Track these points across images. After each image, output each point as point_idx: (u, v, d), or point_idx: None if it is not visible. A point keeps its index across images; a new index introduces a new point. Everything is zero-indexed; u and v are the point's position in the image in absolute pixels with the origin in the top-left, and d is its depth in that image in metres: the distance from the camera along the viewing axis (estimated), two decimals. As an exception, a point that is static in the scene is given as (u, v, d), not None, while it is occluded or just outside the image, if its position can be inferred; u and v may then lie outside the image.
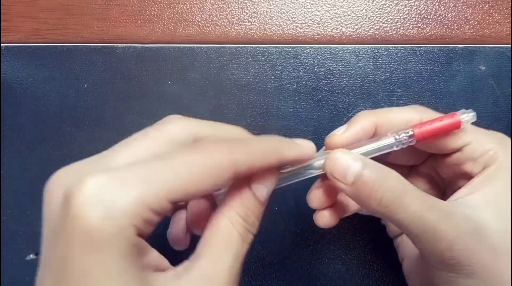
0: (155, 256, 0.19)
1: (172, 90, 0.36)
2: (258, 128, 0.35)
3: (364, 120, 0.25)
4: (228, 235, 0.20)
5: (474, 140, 0.25)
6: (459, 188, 0.24)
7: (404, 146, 0.24)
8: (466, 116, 0.24)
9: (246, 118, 0.36)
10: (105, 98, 0.36)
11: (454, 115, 0.24)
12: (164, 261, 0.20)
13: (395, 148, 0.24)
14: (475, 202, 0.23)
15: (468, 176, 0.25)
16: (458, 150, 0.25)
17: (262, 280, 0.34)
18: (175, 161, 0.19)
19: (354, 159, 0.23)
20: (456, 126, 0.24)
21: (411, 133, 0.24)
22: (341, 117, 0.35)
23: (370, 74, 0.36)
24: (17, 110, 0.36)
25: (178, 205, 0.26)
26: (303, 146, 0.23)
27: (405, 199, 0.21)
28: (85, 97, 0.36)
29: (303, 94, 0.36)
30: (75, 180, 0.17)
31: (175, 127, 0.22)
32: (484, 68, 0.36)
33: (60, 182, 0.20)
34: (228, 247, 0.20)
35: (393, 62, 0.36)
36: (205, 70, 0.36)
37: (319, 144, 0.35)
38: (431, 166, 0.29)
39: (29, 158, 0.35)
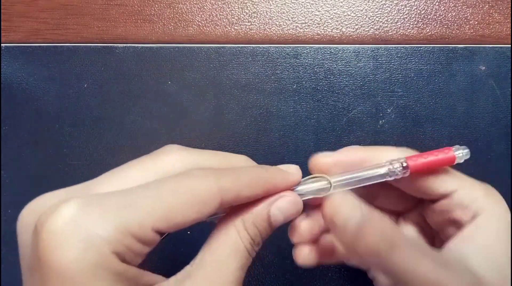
0: (149, 277, 0.18)
1: (172, 90, 0.36)
2: (258, 128, 0.35)
3: (350, 151, 0.24)
4: (235, 246, 0.20)
5: (463, 187, 0.24)
6: (449, 236, 0.24)
7: (397, 177, 0.23)
8: (460, 153, 0.24)
9: (246, 118, 0.36)
10: (105, 98, 0.36)
11: (449, 150, 0.24)
12: (160, 279, 0.19)
13: (387, 178, 0.24)
14: (470, 252, 0.22)
15: (458, 224, 0.24)
16: (446, 196, 0.24)
17: (262, 280, 0.34)
18: (159, 188, 0.18)
19: (354, 206, 0.21)
20: (450, 162, 0.24)
21: (404, 164, 0.23)
22: (341, 117, 0.35)
23: (370, 74, 0.36)
24: (17, 110, 0.36)
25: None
26: (289, 173, 0.22)
27: (401, 249, 0.20)
28: (85, 97, 0.36)
29: (303, 94, 0.36)
30: (48, 208, 0.16)
31: (170, 158, 0.21)
32: (484, 68, 0.36)
33: (33, 210, 0.18)
34: (235, 258, 0.20)
35: (393, 62, 0.36)
36: (205, 70, 0.36)
37: (319, 144, 0.35)
38: (419, 213, 0.27)
39: (29, 158, 0.35)
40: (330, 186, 0.23)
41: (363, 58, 0.36)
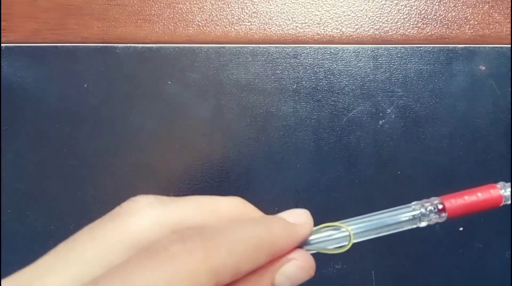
0: None
1: (172, 90, 0.36)
2: (258, 128, 0.35)
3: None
4: None
5: None
6: None
7: (431, 223, 0.19)
8: (508, 192, 0.19)
9: (246, 118, 0.36)
10: (105, 98, 0.36)
11: (494, 188, 0.19)
12: None
13: (418, 224, 0.19)
14: None
15: None
16: None
17: (262, 280, 0.34)
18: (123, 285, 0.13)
19: None
20: (496, 203, 0.19)
21: (440, 206, 0.19)
22: (341, 117, 0.35)
23: (370, 74, 0.36)
24: (17, 110, 0.36)
25: None
26: (297, 226, 0.18)
27: None
28: (85, 97, 0.36)
29: (303, 94, 0.36)
30: None
31: (139, 221, 0.15)
32: (484, 68, 0.36)
33: None
34: None
35: (393, 62, 0.36)
36: (205, 70, 0.36)
37: (319, 144, 0.35)
38: None
39: (29, 158, 0.35)
40: (350, 238, 0.18)
41: (363, 58, 0.36)
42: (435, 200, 0.19)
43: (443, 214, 0.19)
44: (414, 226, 0.19)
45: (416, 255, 0.35)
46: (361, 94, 0.36)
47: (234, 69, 0.36)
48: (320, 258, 0.35)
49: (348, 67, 0.36)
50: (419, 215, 0.19)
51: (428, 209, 0.19)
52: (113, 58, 0.36)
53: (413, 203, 0.19)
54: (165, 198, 0.16)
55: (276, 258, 0.17)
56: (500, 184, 0.19)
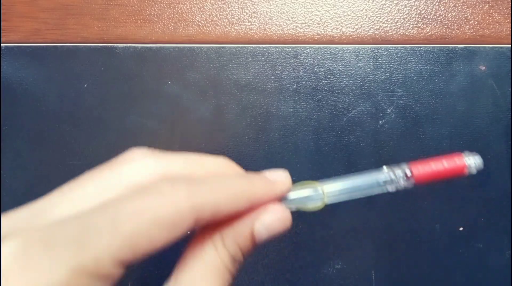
0: None
1: (172, 90, 0.36)
2: (258, 128, 0.35)
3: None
4: (213, 265, 0.18)
5: None
6: None
7: (399, 188, 0.21)
8: (472, 162, 0.20)
9: (246, 118, 0.36)
10: (105, 98, 0.36)
11: (459, 157, 0.20)
12: None
13: (388, 189, 0.21)
14: None
15: None
16: None
17: (262, 280, 0.34)
18: (118, 212, 0.15)
19: None
20: (461, 171, 0.20)
21: (408, 172, 0.20)
22: (341, 117, 0.35)
23: (370, 74, 0.36)
24: (17, 110, 0.36)
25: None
26: (276, 183, 0.20)
27: None
28: (85, 97, 0.36)
29: (303, 94, 0.36)
30: None
31: (133, 168, 0.18)
32: (484, 68, 0.36)
33: None
34: (214, 277, 0.17)
35: (393, 62, 0.36)
36: (205, 70, 0.36)
37: (319, 144, 0.35)
38: None
39: (29, 158, 0.35)
40: (323, 197, 0.20)
41: (363, 58, 0.36)
42: (404, 166, 0.20)
43: (411, 180, 0.20)
44: (385, 190, 0.20)
45: (416, 255, 0.35)
46: (361, 94, 0.36)
47: (234, 69, 0.36)
48: (320, 258, 0.35)
49: (348, 67, 0.36)
50: (389, 179, 0.20)
51: (397, 174, 0.20)
52: (113, 58, 0.36)
53: (384, 167, 0.21)
54: (157, 151, 0.19)
55: (255, 208, 0.19)
56: (466, 153, 0.20)
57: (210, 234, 0.18)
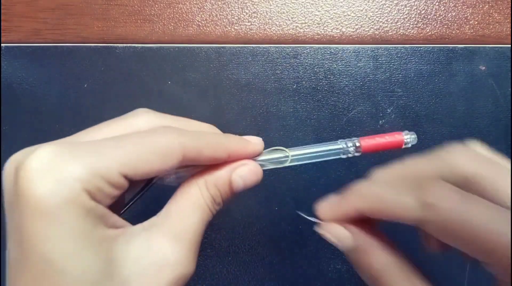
0: (117, 219, 0.20)
1: (172, 90, 0.36)
2: (258, 128, 0.35)
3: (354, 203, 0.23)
4: (198, 201, 0.22)
5: None
6: None
7: (350, 155, 0.25)
8: (408, 138, 0.26)
9: (246, 118, 0.36)
10: (105, 98, 0.36)
11: (399, 134, 0.26)
12: (127, 224, 0.21)
13: (341, 156, 0.25)
14: None
15: None
16: None
17: (262, 280, 0.34)
18: (125, 140, 0.20)
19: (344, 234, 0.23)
20: (399, 145, 0.26)
21: (358, 144, 0.25)
22: (341, 117, 0.35)
23: (370, 74, 0.36)
24: (17, 110, 0.36)
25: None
26: (251, 142, 0.24)
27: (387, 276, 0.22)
28: (85, 97, 0.36)
29: (303, 94, 0.36)
30: (27, 152, 0.19)
31: (140, 119, 0.23)
32: (484, 68, 0.36)
33: (13, 158, 0.20)
34: (196, 210, 0.21)
35: (393, 62, 0.36)
36: (205, 70, 0.36)
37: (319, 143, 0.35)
38: None
39: (29, 158, 0.35)
40: (288, 158, 0.25)
41: (363, 58, 0.36)
42: (355, 139, 0.25)
43: (359, 150, 0.25)
44: (337, 156, 0.25)
45: (415, 255, 0.35)
46: (361, 94, 0.36)
47: (234, 69, 0.36)
48: (320, 258, 0.35)
49: (348, 67, 0.36)
50: (342, 148, 0.25)
51: (348, 145, 0.25)
52: (113, 58, 0.36)
53: (339, 140, 0.25)
54: (158, 112, 0.24)
55: (233, 161, 0.23)
56: (405, 132, 0.26)
57: (196, 179, 0.22)
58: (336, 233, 0.23)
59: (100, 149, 0.19)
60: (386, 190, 0.21)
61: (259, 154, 0.24)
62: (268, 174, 0.33)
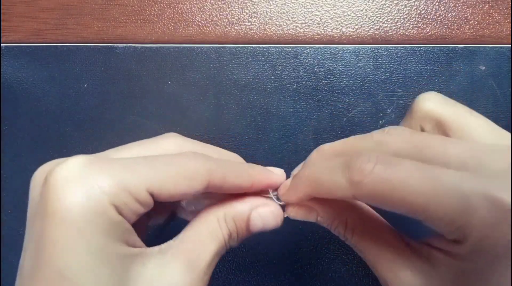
0: (137, 239, 0.20)
1: (172, 90, 0.36)
2: (258, 128, 0.35)
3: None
4: (215, 232, 0.21)
5: None
6: None
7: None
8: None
9: (246, 118, 0.36)
10: (105, 98, 0.36)
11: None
12: (143, 245, 0.21)
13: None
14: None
15: None
16: None
17: (262, 280, 0.34)
18: (156, 159, 0.20)
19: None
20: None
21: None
22: (341, 117, 0.35)
23: (370, 74, 0.36)
24: (17, 110, 0.36)
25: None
26: (274, 172, 0.24)
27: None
28: (85, 97, 0.36)
29: (303, 94, 0.36)
30: (58, 162, 0.19)
31: (169, 142, 0.23)
32: (484, 68, 0.36)
33: (43, 168, 0.21)
34: (213, 240, 0.21)
35: (393, 62, 0.36)
36: (205, 70, 0.36)
37: (319, 144, 0.35)
38: None
39: (29, 158, 0.35)
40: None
41: (363, 58, 0.36)
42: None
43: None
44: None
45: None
46: (361, 94, 0.36)
47: (234, 69, 0.36)
48: (320, 258, 0.35)
49: (348, 67, 0.36)
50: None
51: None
52: (113, 58, 0.36)
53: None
54: (186, 137, 0.24)
55: (255, 191, 0.23)
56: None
57: (215, 209, 0.22)
58: (299, 215, 0.24)
59: (129, 166, 0.19)
60: (321, 171, 0.21)
61: (279, 186, 0.24)
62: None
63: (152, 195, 0.19)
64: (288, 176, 0.24)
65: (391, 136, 0.21)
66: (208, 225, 0.22)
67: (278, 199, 0.24)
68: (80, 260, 0.17)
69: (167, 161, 0.20)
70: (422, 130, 0.24)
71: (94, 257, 0.17)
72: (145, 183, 0.19)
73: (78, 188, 0.17)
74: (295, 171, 0.25)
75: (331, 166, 0.20)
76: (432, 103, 0.23)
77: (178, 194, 0.20)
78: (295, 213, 0.24)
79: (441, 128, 0.23)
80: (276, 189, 0.24)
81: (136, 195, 0.19)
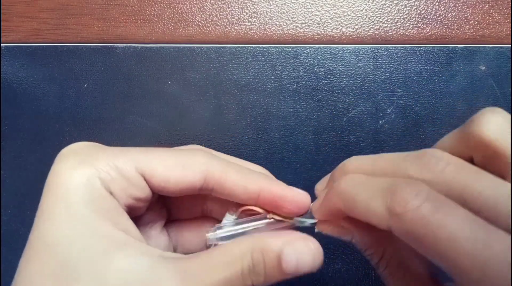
0: (134, 229, 0.20)
1: (172, 90, 0.36)
2: (258, 128, 0.35)
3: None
4: (231, 260, 0.19)
5: None
6: None
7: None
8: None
9: (246, 118, 0.36)
10: (105, 98, 0.36)
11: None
12: (145, 242, 0.20)
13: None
14: None
15: None
16: None
17: (262, 280, 0.34)
18: (152, 149, 0.21)
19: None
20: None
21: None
22: (341, 117, 0.35)
23: (370, 74, 0.36)
24: (17, 110, 0.36)
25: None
26: (294, 189, 0.22)
27: None
28: (85, 97, 0.36)
29: (303, 94, 0.36)
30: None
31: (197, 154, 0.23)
32: (484, 68, 0.36)
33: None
34: (227, 267, 0.18)
35: (393, 62, 0.36)
36: (205, 70, 0.36)
37: (319, 144, 0.35)
38: None
39: (29, 158, 0.35)
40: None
41: (363, 58, 0.36)
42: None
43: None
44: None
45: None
46: (361, 94, 0.36)
47: (234, 69, 0.36)
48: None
49: (348, 67, 0.36)
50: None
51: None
52: (113, 58, 0.36)
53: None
54: (214, 151, 0.24)
55: (275, 211, 0.22)
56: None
57: (242, 240, 0.20)
58: (331, 231, 0.22)
59: (122, 150, 0.21)
60: (358, 192, 0.18)
61: (302, 207, 0.22)
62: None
63: (143, 175, 0.20)
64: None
65: (448, 166, 0.18)
66: (226, 251, 0.19)
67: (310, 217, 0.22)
68: (62, 228, 0.18)
69: (161, 149, 0.21)
70: (470, 157, 0.19)
71: (74, 226, 0.18)
72: (133, 162, 0.20)
73: (71, 163, 0.19)
74: (318, 186, 0.24)
75: (369, 186, 0.18)
76: (492, 128, 0.19)
77: (172, 181, 0.20)
78: (327, 230, 0.22)
79: (496, 163, 0.18)
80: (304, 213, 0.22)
81: (124, 172, 0.20)
